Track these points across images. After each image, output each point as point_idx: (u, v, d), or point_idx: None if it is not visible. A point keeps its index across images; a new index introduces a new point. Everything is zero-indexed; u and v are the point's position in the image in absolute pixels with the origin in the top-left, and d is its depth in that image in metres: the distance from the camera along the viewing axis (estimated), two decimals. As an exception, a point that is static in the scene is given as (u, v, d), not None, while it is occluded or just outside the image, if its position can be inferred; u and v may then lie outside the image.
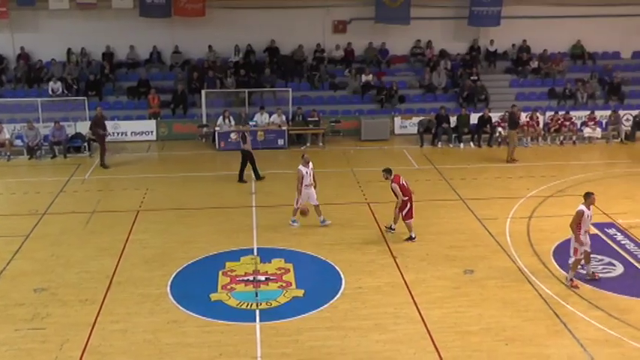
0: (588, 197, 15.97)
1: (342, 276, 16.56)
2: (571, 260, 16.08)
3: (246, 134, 24.43)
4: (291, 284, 16.08)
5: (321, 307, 15.04)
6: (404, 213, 18.69)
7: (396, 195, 18.58)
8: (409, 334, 14.11)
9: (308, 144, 28.55)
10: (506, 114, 27.89)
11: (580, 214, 15.78)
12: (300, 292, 15.69)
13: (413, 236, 18.68)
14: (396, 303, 15.36)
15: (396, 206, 18.65)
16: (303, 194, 19.46)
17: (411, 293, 15.83)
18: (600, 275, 16.77)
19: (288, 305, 15.16)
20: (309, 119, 28.84)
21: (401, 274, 16.79)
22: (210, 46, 32.15)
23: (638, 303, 15.47)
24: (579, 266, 16.29)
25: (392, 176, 18.73)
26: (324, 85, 32.04)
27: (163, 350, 13.37)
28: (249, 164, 23.93)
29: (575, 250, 15.90)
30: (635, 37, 35.25)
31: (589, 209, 15.93)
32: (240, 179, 23.78)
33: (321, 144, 28.64)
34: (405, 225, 18.77)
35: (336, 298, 15.49)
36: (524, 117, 29.24)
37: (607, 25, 34.61)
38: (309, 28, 32.48)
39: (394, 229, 19.04)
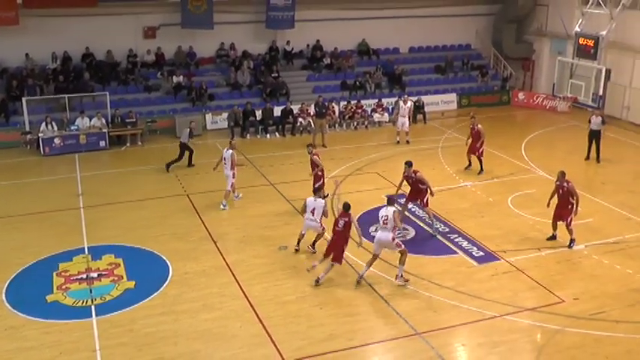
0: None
1: (168, 264, 16.51)
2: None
3: (192, 130, 24.77)
4: (122, 277, 15.81)
5: (152, 295, 14.96)
6: (316, 185, 19.49)
7: (317, 164, 19.90)
8: (235, 310, 14.39)
9: (128, 144, 27.81)
10: (304, 104, 28.89)
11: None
12: (132, 284, 15.48)
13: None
14: (220, 283, 15.56)
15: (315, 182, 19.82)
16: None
17: (233, 273, 16.09)
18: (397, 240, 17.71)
19: (122, 297, 14.93)
20: (128, 120, 28.09)
21: (222, 257, 16.98)
22: (27, 54, 30.33)
23: (428, 260, 16.68)
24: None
25: (313, 150, 20.51)
26: (139, 87, 31.29)
27: (3, 357, 12.77)
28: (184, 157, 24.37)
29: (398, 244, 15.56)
30: (410, 35, 37.08)
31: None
32: (167, 168, 24.10)
33: (140, 143, 28.01)
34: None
35: (165, 285, 15.46)
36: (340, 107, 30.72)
37: (387, 25, 36.22)
38: (121, 34, 31.43)
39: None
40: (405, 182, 19.04)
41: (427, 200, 18.60)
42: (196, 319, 14.02)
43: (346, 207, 15.79)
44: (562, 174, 17.46)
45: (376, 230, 18.29)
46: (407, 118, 27.86)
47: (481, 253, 17.24)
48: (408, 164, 18.87)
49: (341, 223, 15.62)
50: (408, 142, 27.71)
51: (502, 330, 13.76)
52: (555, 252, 17.39)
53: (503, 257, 17.04)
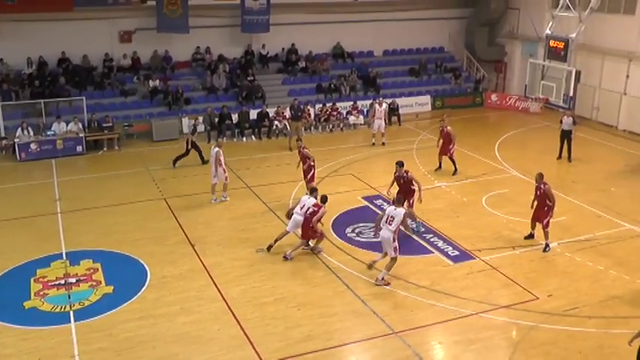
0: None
1: (147, 268, 16.37)
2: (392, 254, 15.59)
3: (195, 126, 26.10)
4: (100, 282, 15.65)
5: (131, 300, 14.84)
6: (309, 177, 20.44)
7: (308, 157, 20.49)
8: (213, 313, 14.32)
9: (105, 148, 27.56)
10: (280, 107, 28.96)
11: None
12: (110, 289, 15.33)
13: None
14: (198, 286, 15.48)
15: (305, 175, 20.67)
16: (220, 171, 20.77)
17: (210, 276, 16.00)
18: (372, 240, 17.72)
19: (100, 302, 14.78)
20: (104, 125, 27.85)
21: (200, 259, 16.89)
22: (1, 59, 29.92)
23: (404, 260, 16.59)
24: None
25: (302, 144, 21.08)
26: (116, 91, 31.06)
27: (-20, 364, 12.59)
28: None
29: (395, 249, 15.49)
30: (384, 39, 37.20)
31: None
32: (174, 164, 24.86)
33: (117, 147, 27.77)
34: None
35: (143, 290, 15.34)
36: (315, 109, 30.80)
37: (361, 29, 36.30)
38: (97, 38, 31.17)
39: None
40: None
41: (413, 202, 18.63)
42: (175, 323, 13.92)
43: (323, 199, 16.97)
44: (539, 176, 17.60)
45: (353, 232, 18.52)
46: (383, 120, 27.95)
47: (456, 253, 17.35)
48: (400, 164, 18.96)
49: (310, 210, 16.72)
50: (383, 143, 27.78)
51: (478, 327, 13.85)
52: (529, 250, 17.55)
53: (478, 256, 17.15)
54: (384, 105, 28.76)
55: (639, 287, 15.65)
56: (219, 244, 17.91)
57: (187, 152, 24.84)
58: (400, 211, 15.42)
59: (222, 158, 20.80)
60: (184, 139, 25.64)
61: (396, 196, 17.02)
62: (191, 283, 15.64)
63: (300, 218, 16.93)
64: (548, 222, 17.43)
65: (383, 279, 15.53)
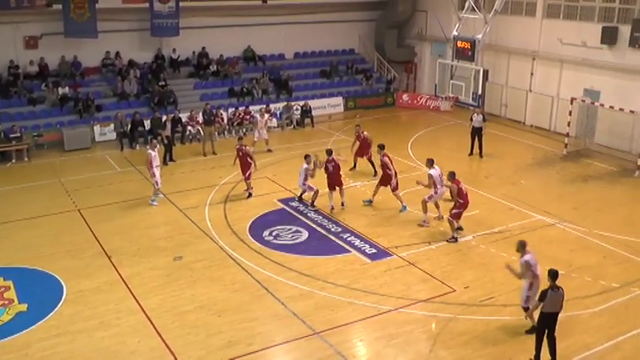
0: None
1: (62, 283, 15.88)
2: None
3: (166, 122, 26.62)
4: (13, 301, 15.03)
5: (47, 317, 14.36)
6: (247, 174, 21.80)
7: (249, 155, 21.87)
8: (132, 325, 14.04)
9: (14, 160, 26.48)
10: (193, 112, 28.79)
11: None
12: (24, 307, 14.77)
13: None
14: (116, 299, 15.14)
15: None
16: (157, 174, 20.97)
17: (128, 287, 15.69)
18: (290, 242, 17.95)
19: (14, 321, 14.21)
20: (12, 135, 26.78)
21: (117, 271, 16.53)
22: None
23: (322, 260, 16.86)
24: None
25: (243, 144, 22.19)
26: (23, 100, 29.98)
27: None
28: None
29: None
30: (294, 41, 37.38)
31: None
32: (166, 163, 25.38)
33: (26, 159, 26.77)
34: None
35: (59, 306, 14.87)
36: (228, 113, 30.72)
37: (272, 32, 36.37)
38: (0, 44, 30.09)
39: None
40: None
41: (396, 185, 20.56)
42: (93, 338, 13.57)
43: (328, 152, 20.44)
44: (450, 174, 18.27)
45: (270, 235, 18.57)
46: (264, 130, 27.66)
47: (374, 250, 17.60)
48: (381, 147, 20.94)
49: (330, 167, 20.17)
50: (270, 150, 27.58)
51: (398, 322, 14.10)
52: (445, 245, 18.02)
53: (396, 253, 17.47)
54: (266, 116, 28.42)
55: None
56: (135, 255, 17.56)
57: (169, 145, 25.98)
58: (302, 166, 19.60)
59: (154, 162, 21.04)
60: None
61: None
62: (109, 296, 15.28)
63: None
64: (453, 215, 18.04)
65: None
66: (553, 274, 12.11)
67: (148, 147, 21.39)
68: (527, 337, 13.28)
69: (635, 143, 25.67)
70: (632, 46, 26.36)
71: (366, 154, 24.14)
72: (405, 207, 20.40)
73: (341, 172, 20.65)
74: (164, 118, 27.95)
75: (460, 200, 17.89)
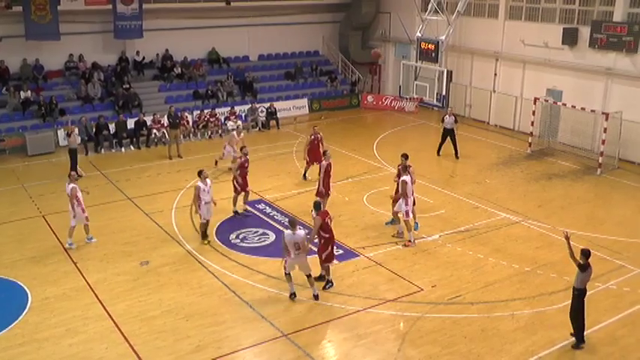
0: (200, 174, 18.11)
1: (27, 290, 15.62)
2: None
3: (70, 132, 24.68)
4: (-25, 310, 14.77)
5: (11, 326, 14.09)
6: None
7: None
8: (99, 332, 13.87)
9: (-27, 166, 26.10)
10: (157, 115, 28.55)
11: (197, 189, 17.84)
12: (-14, 315, 14.52)
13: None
14: (83, 305, 14.94)
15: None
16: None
17: (95, 293, 15.50)
18: (257, 245, 17.89)
19: (-24, 331, 13.95)
20: (-28, 141, 26.44)
21: (83, 277, 16.32)
22: None
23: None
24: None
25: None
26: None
27: None
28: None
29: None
30: (258, 43, 37.38)
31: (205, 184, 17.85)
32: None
33: (-14, 164, 26.37)
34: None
35: (24, 314, 14.61)
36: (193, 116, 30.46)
37: (236, 34, 36.32)
38: (-42, 48, 29.61)
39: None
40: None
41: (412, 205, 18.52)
42: (60, 346, 13.37)
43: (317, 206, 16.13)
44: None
45: (237, 237, 18.52)
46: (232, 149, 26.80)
47: (340, 251, 17.59)
48: (404, 157, 18.90)
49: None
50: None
51: (366, 322, 14.16)
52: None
53: (363, 253, 17.55)
54: (242, 134, 26.78)
55: (516, 271, 16.53)
56: (102, 260, 17.36)
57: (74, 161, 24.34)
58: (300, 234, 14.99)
59: (79, 195, 18.10)
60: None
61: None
62: (75, 303, 15.07)
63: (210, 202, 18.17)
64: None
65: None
66: (587, 253, 12.87)
67: (68, 182, 18.21)
68: (495, 333, 13.46)
69: (597, 142, 26.11)
70: (591, 46, 26.88)
71: (319, 160, 21.86)
72: (416, 224, 19.03)
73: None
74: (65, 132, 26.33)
75: (325, 235, 15.87)
